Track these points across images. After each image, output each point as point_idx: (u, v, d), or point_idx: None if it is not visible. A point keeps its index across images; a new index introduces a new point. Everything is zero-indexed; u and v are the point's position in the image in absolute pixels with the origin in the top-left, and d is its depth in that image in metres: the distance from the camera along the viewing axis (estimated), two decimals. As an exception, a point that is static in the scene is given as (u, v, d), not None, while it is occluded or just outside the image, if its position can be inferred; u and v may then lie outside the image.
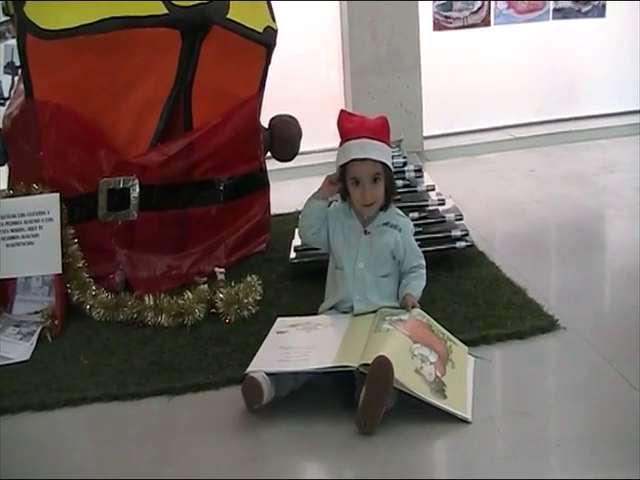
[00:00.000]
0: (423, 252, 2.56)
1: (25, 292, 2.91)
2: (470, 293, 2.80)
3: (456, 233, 3.09)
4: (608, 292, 2.95)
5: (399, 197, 2.96)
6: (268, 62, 3.28)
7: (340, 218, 2.48)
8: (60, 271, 2.84)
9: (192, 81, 3.05)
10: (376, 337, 2.20)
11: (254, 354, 2.26)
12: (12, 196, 2.95)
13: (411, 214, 2.97)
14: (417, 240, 2.59)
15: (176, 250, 3.13)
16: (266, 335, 2.39)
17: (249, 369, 2.17)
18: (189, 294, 2.79)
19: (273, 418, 2.13)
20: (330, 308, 2.49)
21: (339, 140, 2.44)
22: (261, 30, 3.20)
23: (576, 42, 5.36)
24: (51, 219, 2.86)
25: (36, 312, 2.82)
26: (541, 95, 5.38)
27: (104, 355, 2.61)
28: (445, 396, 2.08)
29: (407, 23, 4.85)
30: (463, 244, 3.06)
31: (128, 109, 2.99)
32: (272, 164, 3.61)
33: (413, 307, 2.38)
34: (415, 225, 2.66)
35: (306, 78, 5.07)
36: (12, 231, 2.87)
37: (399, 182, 3.05)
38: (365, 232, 2.45)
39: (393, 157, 2.75)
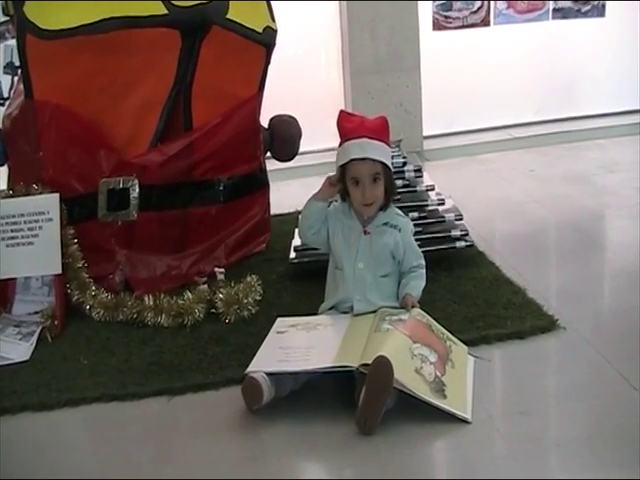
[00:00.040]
0: (423, 252, 2.56)
1: (25, 292, 2.91)
2: (470, 293, 2.80)
3: (456, 233, 3.09)
4: (608, 292, 2.95)
5: (399, 197, 2.97)
6: (268, 62, 3.28)
7: (340, 218, 2.48)
8: (60, 271, 2.84)
9: (192, 81, 3.05)
10: (376, 337, 2.20)
11: (254, 354, 2.26)
12: (12, 196, 2.95)
13: (411, 214, 2.97)
14: (417, 240, 2.59)
15: (176, 250, 3.13)
16: (266, 335, 2.39)
17: (249, 369, 2.17)
18: (189, 294, 2.79)
19: (273, 418, 2.13)
20: (330, 308, 2.49)
21: (339, 140, 2.44)
22: (261, 30, 3.20)
23: (576, 42, 5.36)
24: (51, 219, 2.86)
25: (36, 312, 2.82)
26: (541, 95, 5.39)
27: (104, 355, 2.61)
28: (445, 396, 2.08)
29: (407, 23, 4.85)
30: (463, 244, 3.06)
31: (128, 109, 2.99)
32: (272, 164, 3.61)
33: (413, 307, 2.38)
34: (415, 225, 2.66)
35: (306, 78, 5.07)
36: (12, 231, 2.87)
37: (399, 182, 3.05)
38: (365, 232, 2.45)
39: (393, 157, 2.75)
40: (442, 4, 5.10)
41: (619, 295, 2.83)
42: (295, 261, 3.09)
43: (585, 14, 5.28)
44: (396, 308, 2.40)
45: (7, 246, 2.87)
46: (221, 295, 2.77)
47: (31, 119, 2.94)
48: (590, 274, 3.01)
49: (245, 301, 2.76)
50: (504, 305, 2.67)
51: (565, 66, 5.36)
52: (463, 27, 5.17)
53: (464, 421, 2.04)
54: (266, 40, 3.24)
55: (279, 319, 2.50)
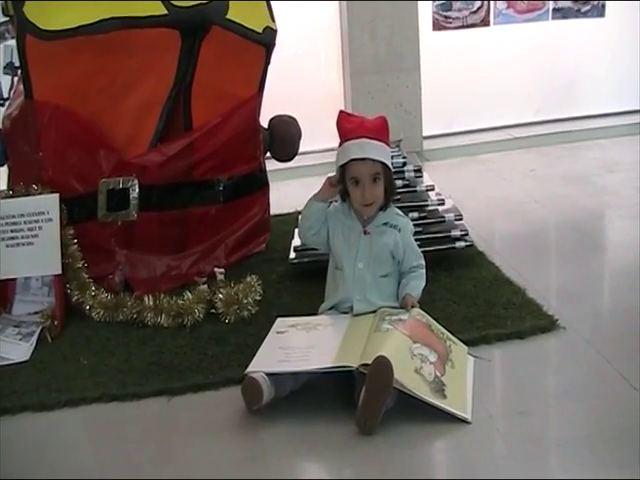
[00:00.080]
0: (423, 252, 2.56)
1: (25, 292, 2.91)
2: (470, 293, 2.80)
3: (456, 233, 3.09)
4: (608, 292, 2.95)
5: (399, 197, 2.97)
6: (267, 62, 3.28)
7: (340, 218, 2.48)
8: (60, 271, 2.84)
9: (192, 81, 3.05)
10: (376, 337, 2.20)
11: (254, 354, 2.26)
12: (12, 196, 2.95)
13: (411, 214, 2.98)
14: (417, 240, 2.59)
15: (176, 250, 3.13)
16: (266, 335, 2.39)
17: (249, 369, 2.17)
18: (189, 294, 2.78)
19: (273, 418, 2.13)
20: (330, 308, 2.49)
21: (339, 140, 2.44)
22: (260, 30, 3.20)
23: (575, 42, 5.36)
24: (51, 219, 2.86)
25: (36, 312, 2.82)
26: (540, 95, 5.39)
27: (104, 355, 2.60)
28: (445, 396, 2.08)
29: (406, 23, 4.85)
30: (463, 244, 3.06)
31: (128, 109, 2.99)
32: (272, 164, 3.61)
33: (413, 307, 2.38)
34: (415, 225, 2.66)
35: (306, 78, 5.08)
36: (12, 231, 2.87)
37: (398, 182, 3.05)
38: (365, 232, 2.45)
39: (392, 157, 2.75)
40: (442, 4, 5.11)
41: (619, 295, 2.83)
42: (295, 261, 3.09)
43: (585, 14, 5.29)
44: (396, 308, 2.40)
45: (7, 246, 2.87)
46: (221, 295, 2.77)
47: (31, 119, 2.94)
48: (590, 274, 3.01)
49: (245, 301, 2.76)
50: (504, 305, 2.67)
51: (565, 66, 5.36)
52: (463, 27, 5.17)
53: (464, 421, 2.04)
54: (266, 40, 3.24)
55: (279, 319, 2.50)
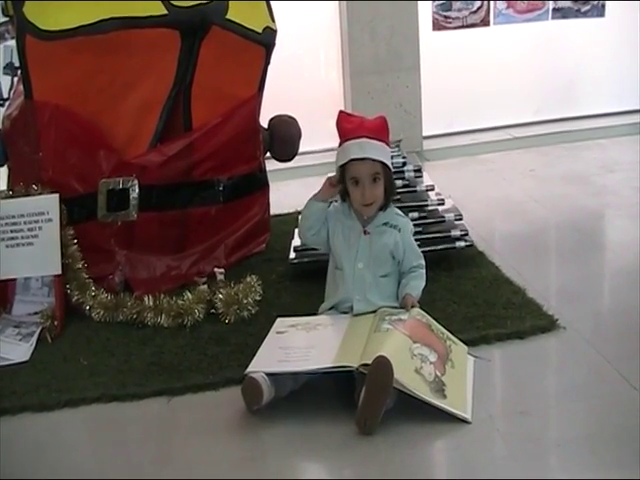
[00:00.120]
0: (423, 252, 2.56)
1: (25, 293, 2.91)
2: (470, 293, 2.80)
3: (455, 233, 3.09)
4: (608, 291, 2.95)
5: (398, 197, 2.97)
6: (267, 62, 3.28)
7: (340, 218, 2.48)
8: (60, 272, 2.84)
9: (191, 81, 3.05)
10: (376, 337, 2.20)
11: (254, 354, 2.26)
12: (12, 197, 2.95)
13: (410, 214, 2.97)
14: (417, 240, 2.59)
15: (176, 250, 3.13)
16: (266, 335, 2.39)
17: (249, 369, 2.17)
18: (189, 294, 2.78)
19: (273, 418, 2.13)
20: (330, 308, 2.49)
21: (338, 140, 2.44)
22: (260, 30, 3.20)
23: (575, 42, 5.36)
24: (50, 220, 2.86)
25: (36, 313, 2.82)
26: (540, 95, 5.39)
27: (104, 356, 2.60)
28: (445, 396, 2.08)
29: (406, 23, 4.85)
30: (462, 244, 3.06)
31: (127, 109, 2.99)
32: (272, 164, 3.61)
33: (413, 307, 2.38)
34: (415, 225, 2.66)
35: (305, 78, 5.08)
36: (12, 232, 2.87)
37: (398, 182, 3.05)
38: (365, 232, 2.45)
39: (392, 157, 2.75)
40: (442, 4, 5.11)
41: (619, 295, 2.83)
42: (295, 261, 3.09)
43: (585, 14, 5.28)
44: (396, 308, 2.40)
45: (7, 247, 2.87)
46: (221, 295, 2.77)
47: (31, 120, 2.94)
48: (590, 274, 3.01)
49: (245, 301, 2.76)
50: (504, 305, 2.67)
51: (565, 66, 5.36)
52: (463, 27, 5.17)
53: (464, 421, 2.04)
54: (266, 40, 3.24)
55: (279, 319, 2.50)
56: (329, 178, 2.47)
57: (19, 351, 2.66)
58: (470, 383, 2.22)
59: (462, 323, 2.56)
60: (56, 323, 2.77)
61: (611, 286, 2.98)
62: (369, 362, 2.03)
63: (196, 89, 3.06)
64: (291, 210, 3.75)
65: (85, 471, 2.04)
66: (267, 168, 3.49)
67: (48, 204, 2.87)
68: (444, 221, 3.14)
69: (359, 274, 2.43)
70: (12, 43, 3.60)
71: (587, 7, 5.27)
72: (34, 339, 2.72)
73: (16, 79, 3.77)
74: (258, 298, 2.81)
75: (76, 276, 2.86)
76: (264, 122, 3.43)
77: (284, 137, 3.46)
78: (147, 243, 3.05)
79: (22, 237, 2.87)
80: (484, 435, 2.01)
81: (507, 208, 3.83)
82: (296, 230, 3.10)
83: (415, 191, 3.23)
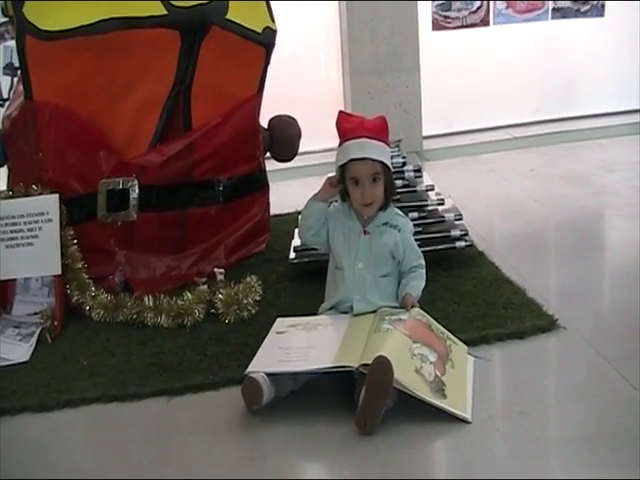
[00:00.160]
0: (423, 252, 2.56)
1: (25, 293, 2.91)
2: (470, 293, 2.80)
3: (455, 233, 3.09)
4: (608, 291, 2.95)
5: (398, 197, 2.97)
6: (267, 62, 3.28)
7: (340, 218, 2.48)
8: (59, 272, 2.84)
9: (191, 82, 3.04)
10: (376, 337, 2.20)
11: (254, 354, 2.26)
12: (11, 197, 2.95)
13: (410, 214, 2.97)
14: (417, 240, 2.59)
15: (175, 251, 3.13)
16: (266, 335, 2.39)
17: (249, 369, 2.17)
18: (189, 295, 2.78)
19: (273, 419, 2.13)
20: (330, 308, 2.49)
21: (338, 140, 2.44)
22: (260, 30, 3.20)
23: (575, 42, 5.36)
24: (50, 220, 2.86)
25: (35, 313, 2.82)
26: (540, 95, 5.39)
27: (104, 356, 2.60)
28: (445, 396, 2.08)
29: (406, 23, 4.85)
30: (462, 244, 3.06)
31: (127, 110, 2.99)
32: (271, 164, 3.61)
33: (412, 307, 2.38)
34: (414, 225, 2.66)
35: (305, 78, 5.07)
36: (11, 232, 2.87)
37: (398, 182, 3.05)
38: (365, 232, 2.45)
39: (392, 157, 2.74)
40: (441, 4, 5.11)
41: (619, 294, 2.83)
42: (295, 261, 3.09)
43: (584, 14, 5.28)
44: (396, 308, 2.40)
45: (7, 247, 2.87)
46: (221, 295, 2.77)
47: (31, 120, 2.94)
48: (590, 273, 3.01)
49: (245, 301, 2.76)
50: (504, 305, 2.67)
51: (564, 66, 5.36)
52: (462, 27, 5.17)
53: (464, 421, 2.04)
54: (265, 40, 3.24)
55: (279, 319, 2.50)
56: (329, 178, 2.47)
57: (19, 351, 2.66)
58: (470, 383, 2.22)
59: (462, 323, 2.56)
60: (56, 323, 2.77)
61: (611, 286, 2.98)
62: (369, 362, 2.03)
63: (196, 89, 3.06)
64: (291, 210, 3.75)
65: (85, 471, 2.05)
66: (267, 168, 3.49)
67: (48, 204, 2.87)
68: (444, 221, 3.14)
69: (359, 274, 2.43)
70: (12, 43, 3.60)
71: (587, 7, 5.27)
72: (34, 339, 2.72)
73: (16, 79, 3.77)
74: (258, 298, 2.81)
75: (76, 276, 2.86)
76: (264, 122, 3.43)
77: (284, 137, 3.46)
78: (147, 243, 3.05)
79: (22, 237, 2.87)
80: (484, 435, 2.01)
81: (507, 208, 3.83)
82: (296, 230, 3.10)
83: (415, 191, 3.23)
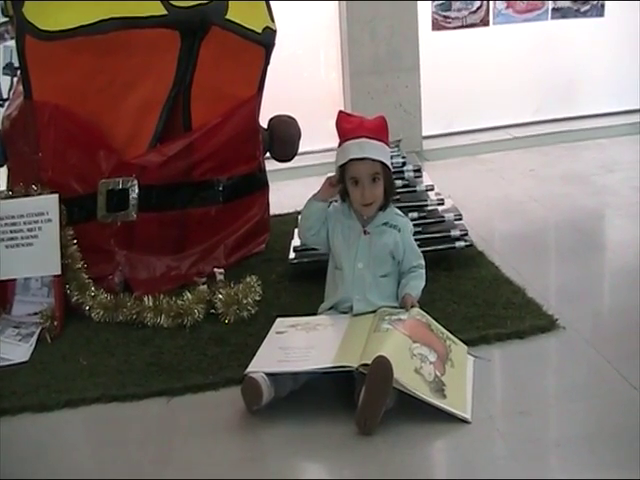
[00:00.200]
0: (422, 252, 2.56)
1: (24, 293, 2.91)
2: (469, 293, 2.80)
3: (455, 233, 3.08)
4: (608, 291, 2.95)
5: (398, 197, 2.97)
6: (267, 62, 3.28)
7: (339, 218, 2.48)
8: (59, 272, 2.84)
9: (191, 82, 3.04)
10: (375, 337, 2.20)
11: (253, 355, 2.26)
12: (11, 197, 2.95)
13: (410, 214, 2.97)
14: (416, 240, 2.59)
15: (175, 251, 3.13)
16: (265, 335, 2.39)
17: (248, 370, 2.17)
18: (188, 295, 2.78)
19: (273, 419, 2.13)
20: (330, 308, 2.49)
21: (338, 140, 2.44)
22: (260, 30, 3.20)
23: (575, 42, 5.36)
24: (50, 220, 2.86)
25: (35, 313, 2.82)
26: (540, 95, 5.38)
27: (103, 356, 2.60)
28: (445, 396, 2.08)
29: (406, 23, 4.85)
30: (462, 244, 3.06)
31: (127, 110, 2.99)
32: (271, 164, 3.61)
33: (412, 307, 2.38)
34: (414, 225, 2.66)
35: (305, 78, 5.07)
36: (11, 232, 2.87)
37: (398, 182, 3.05)
38: (364, 232, 2.45)
39: (392, 157, 2.74)
40: (441, 4, 5.10)
41: (619, 294, 2.83)
42: (295, 261, 3.09)
43: (584, 14, 5.28)
44: (396, 308, 2.40)
45: (6, 247, 2.86)
46: (220, 296, 2.77)
47: (30, 120, 2.94)
48: (590, 273, 3.01)
49: (245, 301, 2.76)
50: (504, 305, 2.67)
51: (564, 66, 5.35)
52: (462, 27, 5.16)
53: (464, 421, 2.04)
54: (265, 40, 3.24)
55: (279, 319, 2.50)
56: (329, 178, 2.47)
57: (19, 351, 2.66)
58: (470, 383, 2.22)
59: (462, 323, 2.56)
60: (56, 323, 2.77)
61: (611, 286, 2.98)
62: (369, 362, 2.03)
63: (196, 89, 3.06)
64: (291, 210, 3.74)
65: (85, 471, 2.05)
66: (267, 168, 3.48)
67: (48, 204, 2.87)
68: (444, 221, 3.14)
69: (359, 274, 2.43)
70: (12, 43, 3.59)
71: (587, 7, 5.27)
72: (34, 339, 2.71)
73: (16, 79, 3.77)
74: (258, 298, 2.81)
75: (76, 276, 2.86)
76: (264, 122, 3.43)
77: (284, 137, 3.46)
78: (147, 243, 3.05)
79: (22, 237, 2.87)
80: (484, 435, 2.01)
81: (507, 208, 3.83)
82: (296, 230, 3.10)
83: (415, 191, 3.23)
